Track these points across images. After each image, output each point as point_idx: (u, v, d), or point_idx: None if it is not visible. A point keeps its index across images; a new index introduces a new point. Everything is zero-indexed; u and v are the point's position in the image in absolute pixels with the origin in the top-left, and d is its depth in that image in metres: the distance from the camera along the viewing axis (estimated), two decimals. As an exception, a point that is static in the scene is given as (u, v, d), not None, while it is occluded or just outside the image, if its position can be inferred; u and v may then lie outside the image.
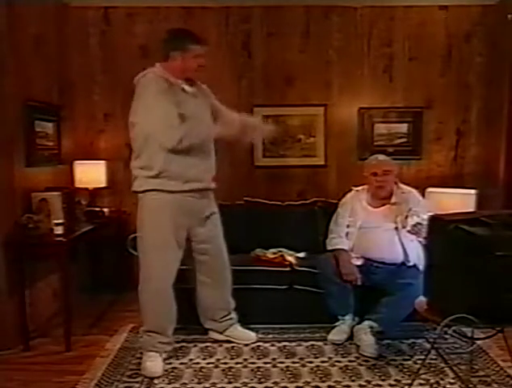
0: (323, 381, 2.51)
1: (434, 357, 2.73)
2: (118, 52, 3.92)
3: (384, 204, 3.10)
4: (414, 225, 2.85)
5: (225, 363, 2.74)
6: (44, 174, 3.39)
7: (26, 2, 3.19)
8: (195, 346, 2.95)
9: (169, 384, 2.52)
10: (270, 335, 3.09)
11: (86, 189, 3.76)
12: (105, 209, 3.68)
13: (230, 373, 2.61)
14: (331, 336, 2.98)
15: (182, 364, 2.73)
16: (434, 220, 2.19)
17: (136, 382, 2.54)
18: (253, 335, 3.01)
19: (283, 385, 2.49)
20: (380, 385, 2.47)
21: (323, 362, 2.73)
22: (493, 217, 2.11)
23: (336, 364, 2.71)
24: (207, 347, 2.94)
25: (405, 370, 2.61)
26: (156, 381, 2.54)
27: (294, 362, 2.73)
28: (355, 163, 3.93)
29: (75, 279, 3.56)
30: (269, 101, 3.98)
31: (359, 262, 3.05)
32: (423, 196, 3.35)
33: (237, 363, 2.73)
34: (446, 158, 4.05)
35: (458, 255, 2.03)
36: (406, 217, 2.91)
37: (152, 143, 2.54)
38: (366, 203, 3.15)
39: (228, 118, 2.87)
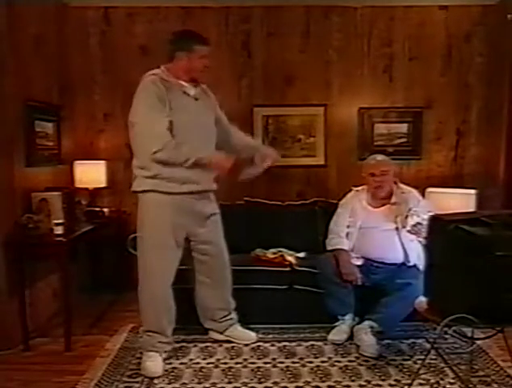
0: (323, 381, 2.51)
1: (434, 357, 2.73)
2: (118, 52, 3.92)
3: (384, 204, 3.10)
4: (414, 225, 2.86)
5: (225, 363, 2.73)
6: (44, 174, 3.39)
7: (26, 2, 3.19)
8: (195, 346, 2.95)
9: (169, 384, 2.52)
10: (270, 335, 3.09)
11: (86, 189, 3.76)
12: (105, 209, 3.68)
13: (230, 373, 2.61)
14: (331, 336, 2.98)
15: (182, 364, 2.73)
16: (434, 220, 2.19)
17: (136, 382, 2.54)
18: (253, 335, 3.01)
19: (283, 385, 2.49)
20: (380, 385, 2.47)
21: (323, 362, 2.73)
22: (493, 217, 2.11)
23: (336, 364, 2.71)
24: (207, 347, 2.94)
25: (405, 370, 2.61)
26: (156, 381, 2.54)
27: (294, 362, 2.73)
28: (355, 163, 3.93)
29: (75, 279, 3.56)
30: (269, 101, 3.98)
31: (359, 262, 3.05)
32: (423, 196, 3.35)
33: (237, 363, 2.73)
34: (446, 158, 4.05)
35: (458, 255, 2.03)
36: (406, 217, 2.91)
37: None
38: (366, 203, 3.15)
39: (233, 139, 2.91)
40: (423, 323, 3.06)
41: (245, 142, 2.99)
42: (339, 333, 2.97)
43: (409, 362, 2.70)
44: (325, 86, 3.99)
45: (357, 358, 2.77)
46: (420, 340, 2.98)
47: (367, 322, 2.87)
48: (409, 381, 2.45)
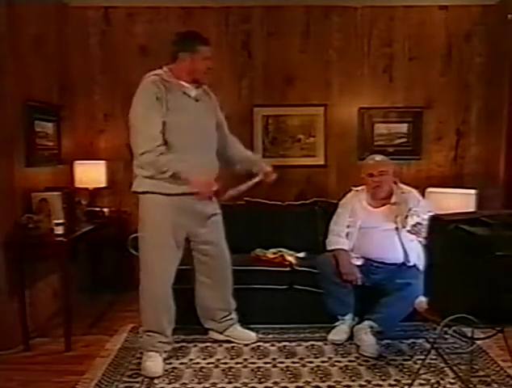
0: (323, 381, 2.51)
1: (434, 357, 2.73)
2: (118, 52, 3.92)
3: (383, 205, 3.10)
4: (414, 225, 2.86)
5: (225, 363, 2.73)
6: (44, 174, 3.39)
7: (26, 2, 3.19)
8: (195, 346, 2.95)
9: (169, 384, 2.52)
10: (270, 335, 3.09)
11: (86, 189, 3.76)
12: (105, 209, 3.68)
13: (230, 373, 2.61)
14: (331, 336, 2.98)
15: (182, 364, 2.73)
16: (434, 220, 2.19)
17: (136, 382, 2.54)
18: (253, 335, 3.01)
19: (283, 385, 2.49)
20: (380, 385, 2.47)
21: (323, 362, 2.73)
22: (493, 217, 2.11)
23: (336, 364, 2.71)
24: (207, 347, 2.94)
25: (405, 370, 2.61)
26: (156, 381, 2.54)
27: (294, 362, 2.73)
28: (355, 163, 3.93)
29: (75, 279, 3.56)
30: (269, 101, 3.98)
31: (359, 262, 3.05)
32: (423, 196, 3.35)
33: (237, 363, 2.73)
34: (446, 158, 4.05)
35: (458, 255, 2.03)
36: (406, 217, 2.91)
37: None
38: (366, 203, 3.15)
39: (230, 149, 2.90)
40: (423, 323, 3.06)
41: (244, 155, 2.96)
42: (339, 333, 2.97)
43: (409, 362, 2.70)
44: (325, 86, 3.99)
45: (357, 358, 2.77)
46: (420, 340, 2.98)
47: (366, 322, 2.87)
48: (409, 381, 2.45)
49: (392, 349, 2.86)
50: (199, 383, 2.52)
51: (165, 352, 2.75)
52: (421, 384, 2.46)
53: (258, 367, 2.68)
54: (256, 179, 2.83)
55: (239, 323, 3.03)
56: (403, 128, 4.02)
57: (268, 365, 2.70)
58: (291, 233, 3.60)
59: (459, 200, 3.43)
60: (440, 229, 2.12)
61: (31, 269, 3.05)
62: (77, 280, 3.71)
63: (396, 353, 2.81)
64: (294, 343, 2.98)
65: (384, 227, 3.04)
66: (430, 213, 2.35)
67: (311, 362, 2.73)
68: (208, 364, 2.73)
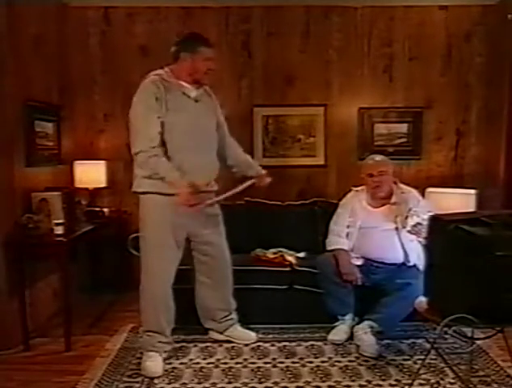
0: (323, 381, 2.51)
1: (434, 357, 2.73)
2: (118, 52, 3.92)
3: (383, 205, 3.10)
4: (414, 226, 2.86)
5: (225, 363, 2.73)
6: (44, 174, 3.39)
7: (26, 2, 3.19)
8: (195, 346, 2.95)
9: (169, 384, 2.52)
10: (270, 335, 3.09)
11: (86, 189, 3.76)
12: (105, 209, 3.68)
13: (230, 373, 2.61)
14: (331, 336, 2.98)
15: (182, 364, 2.73)
16: (434, 220, 2.19)
17: (136, 382, 2.54)
18: (253, 335, 3.01)
19: (283, 385, 2.49)
20: (380, 385, 2.47)
21: (323, 362, 2.73)
22: (493, 217, 2.11)
23: (336, 364, 2.71)
24: (207, 347, 2.94)
25: (405, 370, 2.62)
26: (156, 381, 2.54)
27: (294, 362, 2.73)
28: (355, 163, 3.93)
29: (75, 279, 3.56)
30: (269, 101, 3.98)
31: (359, 262, 3.05)
32: (423, 196, 3.35)
33: (237, 363, 2.73)
34: (446, 158, 4.05)
35: (458, 255, 2.03)
36: (406, 217, 2.91)
37: None
38: (366, 203, 3.15)
39: (227, 152, 2.89)
40: (423, 323, 3.06)
41: (241, 159, 2.95)
42: (339, 333, 2.97)
43: (409, 362, 2.71)
44: (325, 86, 3.99)
45: (357, 358, 2.77)
46: (420, 340, 2.98)
47: (366, 322, 2.87)
48: (409, 381, 2.45)
49: (392, 349, 2.86)
50: (199, 383, 2.52)
51: (165, 352, 2.75)
52: (421, 384, 2.46)
53: (258, 367, 2.68)
54: (246, 184, 2.82)
55: (239, 323, 3.03)
56: (403, 128, 4.02)
57: (268, 365, 2.70)
58: (291, 233, 3.60)
59: (459, 200, 3.43)
60: (440, 229, 2.12)
61: (31, 269, 3.05)
62: (77, 280, 3.71)
63: (396, 353, 2.81)
64: (294, 343, 2.98)
65: (383, 227, 3.04)
66: (430, 213, 2.35)
67: (311, 362, 2.73)
68: (208, 364, 2.73)
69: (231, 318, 2.99)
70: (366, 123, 4.01)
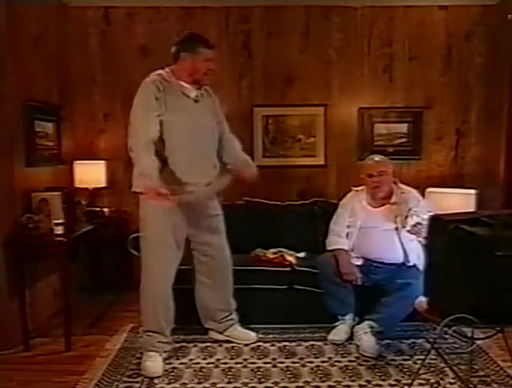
0: (323, 381, 2.51)
1: (434, 357, 2.73)
2: (118, 52, 3.92)
3: (383, 204, 3.10)
4: (414, 225, 2.86)
5: (225, 363, 2.73)
6: (44, 174, 3.39)
7: (26, 2, 3.19)
8: (195, 346, 2.95)
9: (169, 384, 2.52)
10: (270, 335, 3.08)
11: (86, 189, 3.76)
12: (105, 209, 3.68)
13: (230, 373, 2.61)
14: (331, 336, 2.98)
15: (182, 364, 2.73)
16: (434, 220, 2.19)
17: (136, 382, 2.54)
18: (253, 335, 3.01)
19: (283, 385, 2.49)
20: (380, 385, 2.47)
21: (323, 362, 2.73)
22: (493, 217, 2.11)
23: (336, 364, 2.71)
24: (207, 347, 2.94)
25: (405, 370, 2.62)
26: (156, 381, 2.54)
27: (294, 362, 2.73)
28: (355, 163, 3.93)
29: (75, 279, 3.56)
30: (269, 101, 3.98)
31: (359, 262, 3.05)
32: (423, 196, 3.35)
33: (237, 363, 2.73)
34: (446, 158, 4.05)
35: (458, 255, 2.03)
36: (406, 216, 2.91)
37: None
38: (366, 203, 3.15)
39: (225, 155, 2.86)
40: (423, 323, 3.06)
41: (239, 158, 2.92)
42: (339, 333, 2.97)
43: (409, 362, 2.71)
44: (325, 86, 3.99)
45: (357, 358, 2.77)
46: (420, 340, 2.98)
47: (366, 322, 2.87)
48: (409, 381, 2.45)
49: (392, 349, 2.86)
50: (199, 383, 2.52)
51: (165, 352, 2.75)
52: (421, 384, 2.46)
53: (258, 367, 2.68)
54: (224, 181, 2.78)
55: (239, 323, 3.03)
56: (403, 128, 4.02)
57: (268, 365, 2.70)
58: (291, 233, 3.60)
59: (459, 200, 3.43)
60: (440, 229, 2.12)
61: (31, 269, 3.05)
62: (77, 280, 3.71)
63: (396, 353, 2.81)
64: (294, 343, 2.98)
65: (383, 227, 3.04)
66: (430, 213, 2.35)
67: (311, 362, 2.73)
68: (208, 364, 2.73)
69: (231, 319, 2.99)
70: (366, 123, 4.01)
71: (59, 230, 2.91)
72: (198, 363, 2.74)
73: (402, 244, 3.01)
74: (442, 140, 4.04)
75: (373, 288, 2.98)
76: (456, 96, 3.99)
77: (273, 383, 2.50)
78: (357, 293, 2.98)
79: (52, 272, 3.32)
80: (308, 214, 3.70)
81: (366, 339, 2.79)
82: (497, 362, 2.67)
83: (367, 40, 3.96)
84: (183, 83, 2.65)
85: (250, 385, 2.49)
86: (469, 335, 2.41)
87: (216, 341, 2.99)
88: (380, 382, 2.50)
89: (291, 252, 3.42)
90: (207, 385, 2.50)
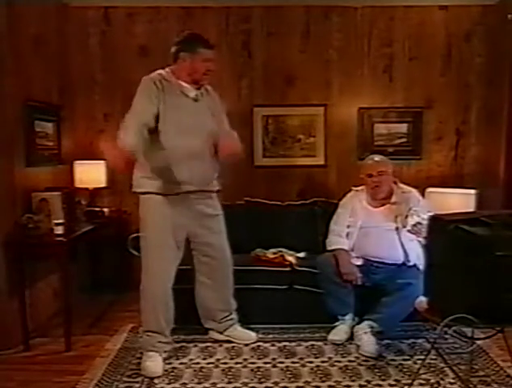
0: (323, 381, 2.51)
1: (434, 357, 2.73)
2: (118, 52, 3.92)
3: (383, 204, 3.10)
4: (414, 225, 2.86)
5: (225, 363, 2.73)
6: (44, 174, 3.39)
7: (26, 2, 3.19)
8: (195, 346, 2.95)
9: (169, 384, 2.52)
10: (270, 335, 3.08)
11: (86, 189, 3.76)
12: (105, 209, 3.68)
13: (230, 373, 2.61)
14: (331, 336, 2.98)
15: (182, 364, 2.73)
16: (434, 220, 2.19)
17: (136, 382, 2.54)
18: (253, 335, 3.01)
19: (283, 385, 2.49)
20: (380, 385, 2.47)
21: (323, 362, 2.73)
22: (493, 217, 2.11)
23: (336, 364, 2.71)
24: (207, 347, 2.94)
25: (405, 370, 2.61)
26: (156, 381, 2.54)
27: (294, 362, 2.73)
28: (355, 163, 3.93)
29: (75, 279, 3.56)
30: (269, 101, 3.98)
31: (359, 262, 3.05)
32: (423, 196, 3.35)
33: (237, 363, 2.73)
34: (446, 158, 4.05)
35: (458, 255, 2.03)
36: (406, 216, 2.91)
37: None
38: (366, 203, 3.15)
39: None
40: (423, 323, 3.06)
41: (223, 131, 2.77)
42: (339, 333, 2.97)
43: (409, 362, 2.70)
44: (325, 86, 3.99)
45: (357, 358, 2.77)
46: (420, 340, 2.98)
47: (366, 322, 2.87)
48: (409, 381, 2.45)
49: (392, 349, 2.86)
50: (199, 383, 2.51)
51: (165, 352, 2.75)
52: (421, 384, 2.46)
53: (258, 367, 2.68)
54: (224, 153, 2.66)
55: (239, 323, 3.03)
56: (403, 128, 4.02)
57: (268, 365, 2.70)
58: (291, 233, 3.60)
59: (459, 200, 3.43)
60: (440, 229, 2.12)
61: (31, 269, 3.05)
62: (77, 280, 3.71)
63: (396, 353, 2.81)
64: (294, 343, 2.98)
65: (384, 227, 3.04)
66: (430, 213, 2.35)
67: (311, 362, 2.73)
68: (208, 364, 2.73)
69: (231, 318, 2.99)
70: (366, 123, 4.01)
71: (59, 230, 2.91)
72: (198, 363, 2.74)
73: (402, 244, 3.01)
74: (442, 140, 4.04)
75: (373, 288, 2.98)
76: (456, 96, 3.99)
77: (273, 383, 2.50)
78: (357, 293, 2.98)
79: (52, 272, 3.32)
80: (308, 214, 3.70)
81: (366, 339, 2.79)
82: (497, 362, 2.67)
83: (367, 40, 3.96)
84: (183, 83, 2.66)
85: (250, 385, 2.49)
86: (469, 335, 2.41)
87: (216, 341, 2.99)
88: (380, 382, 2.49)
89: (291, 252, 3.41)
90: (207, 385, 2.50)
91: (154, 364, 2.63)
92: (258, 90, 3.99)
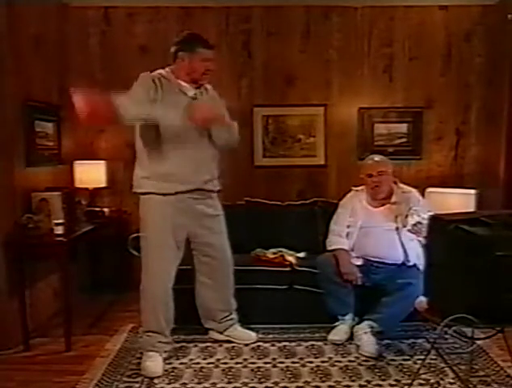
0: (323, 381, 2.51)
1: (434, 357, 2.73)
2: (118, 52, 3.92)
3: (384, 204, 3.10)
4: (414, 225, 2.86)
5: (225, 363, 2.73)
6: (44, 174, 3.39)
7: (26, 2, 3.19)
8: (195, 346, 2.95)
9: (169, 384, 2.52)
10: (270, 335, 3.08)
11: (86, 189, 3.76)
12: (105, 209, 3.68)
13: (230, 373, 2.61)
14: (331, 336, 2.98)
15: (182, 364, 2.73)
16: (434, 220, 2.19)
17: (136, 382, 2.54)
18: (253, 335, 3.01)
19: (283, 385, 2.49)
20: (380, 385, 2.47)
21: (323, 362, 2.73)
22: (493, 217, 2.10)
23: (336, 364, 2.71)
24: (207, 347, 2.94)
25: (405, 370, 2.61)
26: (156, 381, 2.54)
27: (294, 362, 2.73)
28: (355, 163, 3.93)
29: (75, 279, 3.56)
30: (269, 101, 3.98)
31: (359, 262, 3.05)
32: (423, 196, 3.35)
33: (237, 363, 2.73)
34: (446, 158, 4.05)
35: (458, 255, 2.03)
36: (406, 216, 2.91)
37: (138, 143, 2.62)
38: (366, 203, 3.15)
39: None
40: (423, 323, 3.06)
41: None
42: (339, 333, 2.97)
43: (409, 362, 2.70)
44: (325, 86, 3.99)
45: (357, 358, 2.77)
46: (420, 340, 2.98)
47: (366, 322, 2.87)
48: (409, 381, 2.45)
49: (392, 349, 2.86)
50: (199, 383, 2.51)
51: (165, 352, 2.75)
52: (421, 384, 2.46)
53: (258, 367, 2.68)
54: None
55: (239, 323, 3.03)
56: (403, 128, 4.02)
57: (268, 365, 2.70)
58: (291, 233, 3.60)
59: (459, 200, 3.43)
60: (440, 229, 2.12)
61: (31, 269, 3.05)
62: (77, 280, 3.71)
63: (396, 353, 2.81)
64: (294, 343, 2.98)
65: (384, 227, 3.04)
66: (430, 213, 2.35)
67: (311, 362, 2.73)
68: (208, 364, 2.73)
69: (231, 318, 2.99)
70: (366, 123, 4.01)
71: (59, 230, 2.91)
72: (198, 363, 2.74)
73: (402, 244, 3.01)
74: (442, 140, 4.04)
75: (373, 288, 2.98)
76: (456, 96, 3.99)
77: (273, 383, 2.50)
78: (357, 293, 2.98)
79: (52, 272, 3.32)
80: (308, 214, 3.70)
81: (366, 339, 2.79)
82: (497, 362, 2.67)
83: (367, 40, 3.96)
84: (182, 82, 2.66)
85: (250, 385, 2.49)
86: (469, 335, 2.41)
87: (216, 341, 2.99)
88: (380, 382, 2.49)
89: (291, 252, 3.42)
90: (207, 385, 2.50)
91: (154, 364, 2.63)
92: (258, 90, 3.99)
